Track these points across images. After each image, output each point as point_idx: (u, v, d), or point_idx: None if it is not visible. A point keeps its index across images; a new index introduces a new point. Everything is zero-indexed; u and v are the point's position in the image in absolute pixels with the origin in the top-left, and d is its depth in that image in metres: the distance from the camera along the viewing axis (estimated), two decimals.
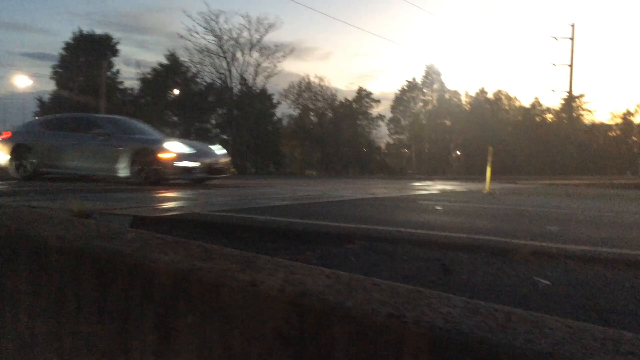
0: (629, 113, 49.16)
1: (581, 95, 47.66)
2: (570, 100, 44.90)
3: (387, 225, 4.08)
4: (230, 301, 1.22)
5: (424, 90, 52.25)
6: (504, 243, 3.29)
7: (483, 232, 3.80)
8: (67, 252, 1.46)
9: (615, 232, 4.21)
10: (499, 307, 1.12)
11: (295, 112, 47.47)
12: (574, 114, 47.07)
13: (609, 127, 49.66)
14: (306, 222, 4.00)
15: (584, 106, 48.56)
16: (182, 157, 9.22)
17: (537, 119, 49.06)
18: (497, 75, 67.21)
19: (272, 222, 3.90)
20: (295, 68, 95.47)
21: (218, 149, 10.51)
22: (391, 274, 2.42)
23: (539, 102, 50.21)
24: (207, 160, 9.65)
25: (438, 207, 6.20)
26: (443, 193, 9.19)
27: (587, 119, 49.19)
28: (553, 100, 64.06)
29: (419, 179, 21.85)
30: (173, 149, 9.26)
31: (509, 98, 52.46)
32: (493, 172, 10.81)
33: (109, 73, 34.75)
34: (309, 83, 47.28)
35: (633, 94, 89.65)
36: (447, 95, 51.95)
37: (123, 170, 9.37)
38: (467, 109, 51.07)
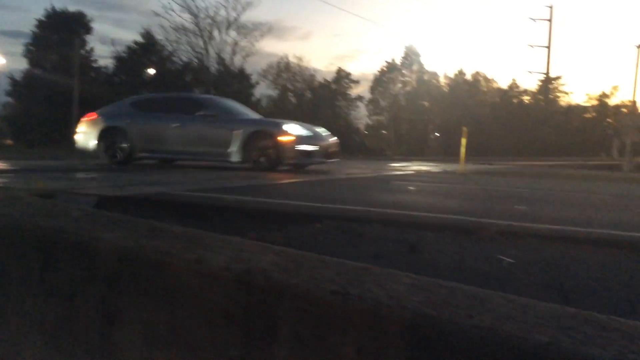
0: (604, 95, 49.75)
1: (558, 77, 48.08)
2: (547, 82, 45.31)
3: (358, 205, 4.08)
4: (176, 280, 1.19)
5: (403, 71, 52.24)
6: (472, 222, 3.31)
7: (453, 212, 3.83)
8: (9, 230, 1.42)
9: (582, 212, 4.27)
10: (445, 283, 1.12)
11: (274, 93, 47.19)
12: (551, 96, 47.54)
13: (584, 109, 50.20)
14: (276, 202, 3.98)
15: (560, 88, 49.02)
16: (301, 140, 8.51)
17: (515, 100, 49.43)
18: (476, 57, 67.39)
19: (242, 202, 3.87)
20: (274, 48, 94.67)
21: (324, 132, 9.79)
22: (358, 254, 2.41)
23: (516, 84, 50.56)
24: (323, 144, 9.00)
25: (411, 187, 6.23)
26: (418, 174, 9.24)
27: (564, 100, 49.70)
28: (530, 82, 64.53)
29: (396, 160, 21.95)
30: (292, 131, 8.59)
31: (487, 80, 52.71)
32: (470, 154, 10.89)
33: (82, 51, 34.00)
34: (287, 63, 46.97)
35: (610, 75, 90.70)
36: (426, 77, 52.00)
37: (235, 154, 8.65)
38: (446, 90, 51.25)
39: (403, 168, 12.20)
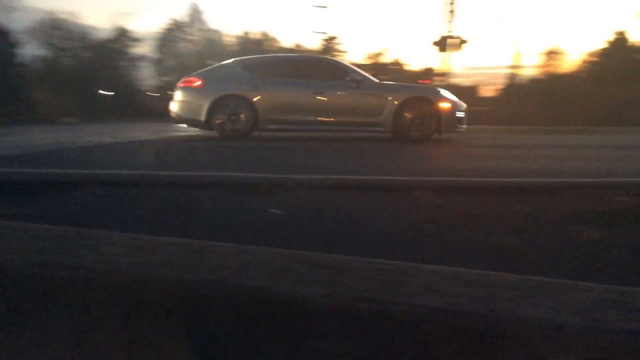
0: (379, 54, 54.34)
1: (335, 37, 51.13)
2: (328, 41, 47.91)
3: (130, 168, 3.87)
4: None
5: (189, 30, 50.84)
6: (245, 178, 3.33)
7: (226, 169, 3.83)
8: None
9: (352, 161, 4.60)
10: (166, 240, 1.07)
11: (46, 53, 42.41)
12: (332, 55, 50.49)
13: (364, 68, 54.33)
14: (32, 172, 3.57)
15: (340, 47, 52.22)
16: (457, 106, 7.78)
17: None
18: (262, 16, 68.11)
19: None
20: (46, 3, 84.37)
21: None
22: (123, 220, 2.26)
23: (300, 44, 52.56)
24: (466, 110, 8.17)
25: (191, 148, 6.12)
26: (203, 135, 9.10)
27: (345, 59, 53.14)
28: (314, 42, 67.48)
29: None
30: (449, 97, 7.79)
31: (272, 39, 53.87)
32: None
33: None
34: (57, 20, 42.41)
35: (387, 34, 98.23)
36: (212, 36, 51.31)
37: (385, 123, 7.68)
38: (233, 49, 51.24)
39: (187, 129, 11.94)
